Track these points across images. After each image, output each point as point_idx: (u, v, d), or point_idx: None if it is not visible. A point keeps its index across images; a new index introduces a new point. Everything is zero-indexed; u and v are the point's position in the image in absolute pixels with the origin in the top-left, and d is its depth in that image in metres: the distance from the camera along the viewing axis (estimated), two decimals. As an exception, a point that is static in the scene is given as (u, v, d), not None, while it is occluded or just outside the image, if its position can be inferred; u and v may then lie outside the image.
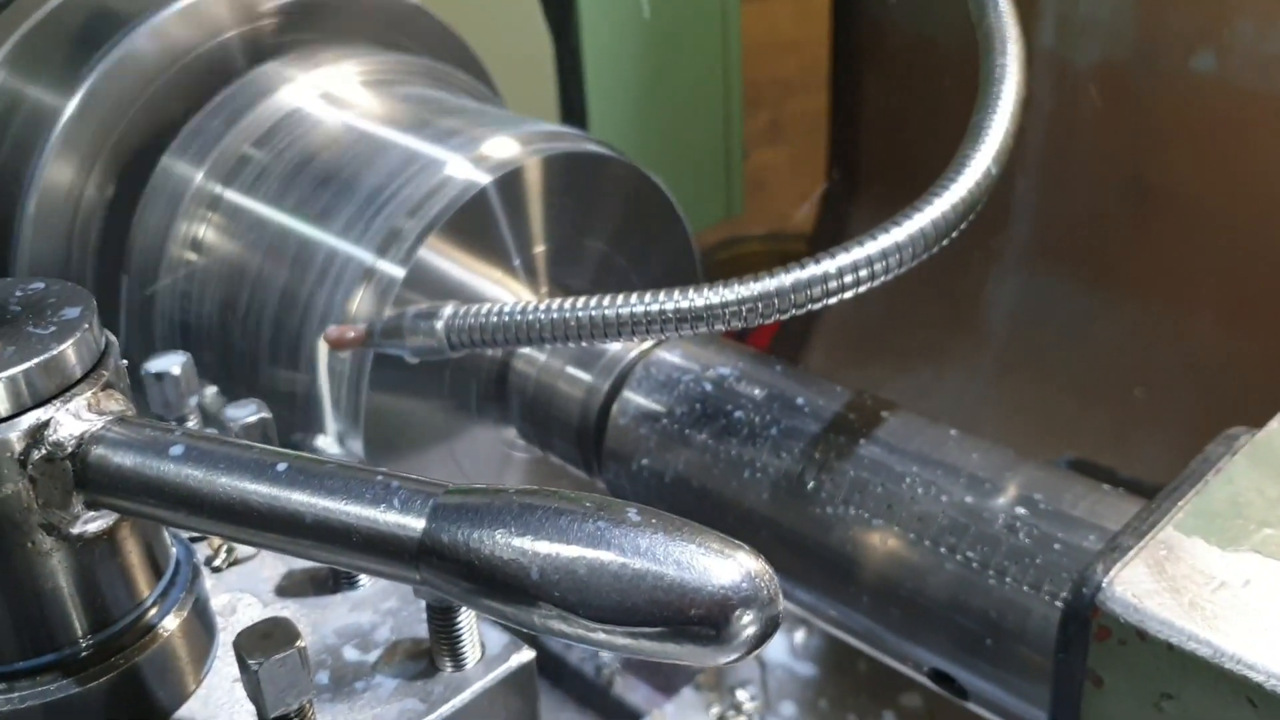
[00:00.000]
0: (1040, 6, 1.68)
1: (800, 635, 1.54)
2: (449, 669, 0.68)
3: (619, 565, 0.47)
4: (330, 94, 1.20)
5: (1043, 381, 1.81)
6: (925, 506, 0.90)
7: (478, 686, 0.68)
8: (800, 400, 1.00)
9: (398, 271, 1.02)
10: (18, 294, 0.62)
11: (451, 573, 0.50)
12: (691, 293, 0.87)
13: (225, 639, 0.70)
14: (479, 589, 0.50)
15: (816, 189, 2.07)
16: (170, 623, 0.65)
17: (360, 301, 1.04)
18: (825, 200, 2.07)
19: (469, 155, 1.08)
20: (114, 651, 0.63)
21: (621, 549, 0.48)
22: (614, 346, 1.10)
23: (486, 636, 0.70)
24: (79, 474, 0.58)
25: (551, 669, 1.51)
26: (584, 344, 1.03)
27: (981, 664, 0.88)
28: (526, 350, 1.12)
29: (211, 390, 0.96)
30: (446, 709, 0.67)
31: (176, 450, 0.56)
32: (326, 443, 1.06)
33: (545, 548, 0.48)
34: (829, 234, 2.04)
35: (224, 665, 0.69)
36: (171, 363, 0.78)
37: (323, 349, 1.04)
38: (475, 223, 1.06)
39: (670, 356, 1.08)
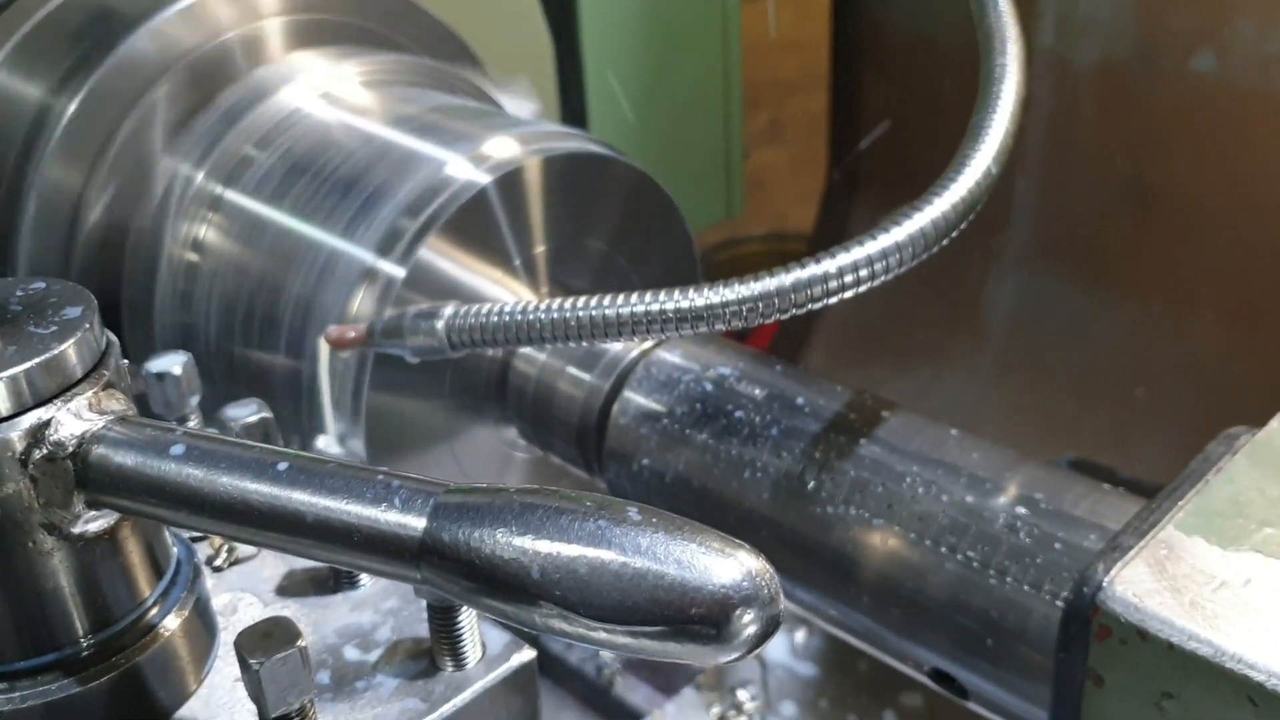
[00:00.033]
0: (1040, 6, 1.68)
1: (801, 635, 1.54)
2: (450, 669, 0.68)
3: (620, 564, 0.47)
4: (330, 94, 1.20)
5: (1043, 381, 1.81)
6: (926, 506, 0.90)
7: (479, 686, 0.68)
8: (801, 400, 1.00)
9: (398, 271, 1.02)
10: (19, 293, 0.62)
11: (452, 572, 0.50)
12: (692, 292, 0.87)
13: (226, 639, 0.70)
14: (480, 588, 0.50)
15: (817, 189, 2.08)
16: (171, 622, 0.65)
17: (361, 301, 1.04)
18: (825, 200, 2.07)
19: (469, 155, 1.08)
20: (115, 651, 0.63)
21: (622, 548, 0.48)
22: (614, 346, 1.10)
23: (487, 636, 0.70)
24: (80, 473, 0.58)
25: (552, 669, 1.51)
26: (584, 344, 1.03)
27: (982, 664, 0.88)
28: (527, 350, 1.12)
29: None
30: (447, 708, 0.67)
31: (177, 450, 0.56)
32: (327, 443, 1.06)
33: (546, 547, 0.48)
34: (829, 234, 2.04)
35: (225, 665, 0.69)
36: (172, 362, 0.78)
37: (323, 349, 1.04)
38: (476, 222, 1.06)
39: (671, 356, 1.08)
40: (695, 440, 1.02)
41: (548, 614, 0.49)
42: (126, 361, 0.64)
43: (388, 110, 1.19)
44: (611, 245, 1.18)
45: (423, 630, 0.71)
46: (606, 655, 1.49)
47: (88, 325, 0.60)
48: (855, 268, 0.85)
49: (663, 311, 0.87)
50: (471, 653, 0.68)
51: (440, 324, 0.97)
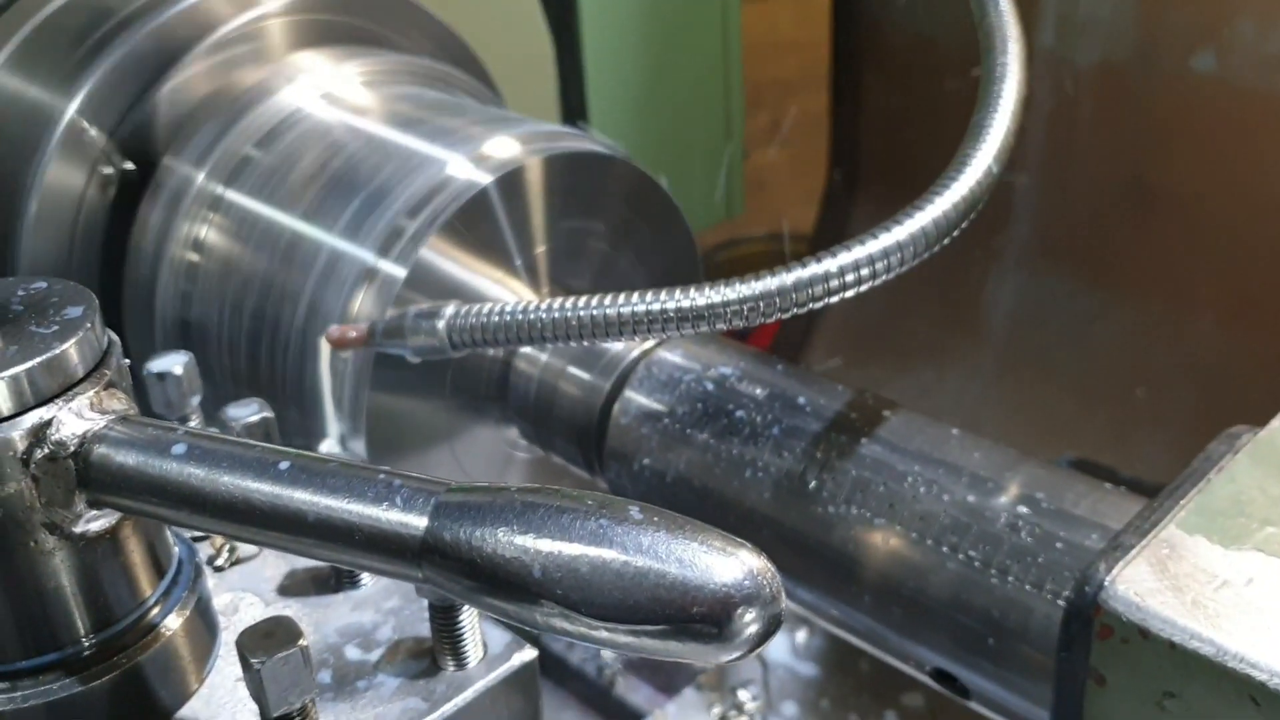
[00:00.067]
0: (1040, 6, 1.68)
1: (802, 635, 1.54)
2: (451, 668, 0.68)
3: (621, 563, 0.47)
4: (331, 94, 1.20)
5: (1043, 381, 1.81)
6: (927, 505, 0.90)
7: (480, 685, 0.68)
8: (802, 399, 1.00)
9: (399, 271, 1.02)
10: (20, 293, 0.62)
11: (454, 571, 0.50)
12: (693, 292, 0.87)
13: (227, 638, 0.70)
14: (481, 587, 0.50)
15: (817, 189, 2.08)
16: (172, 622, 0.65)
17: (362, 301, 1.04)
18: (825, 200, 2.07)
19: (470, 155, 1.08)
20: (116, 651, 0.63)
21: (624, 547, 0.48)
22: (615, 346, 1.10)
23: (489, 635, 0.70)
24: (81, 473, 0.58)
25: (554, 669, 1.51)
26: (585, 343, 1.03)
27: (984, 663, 0.88)
28: (528, 350, 1.12)
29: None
30: (449, 708, 0.67)
31: (179, 449, 0.56)
32: (328, 443, 1.06)
33: (547, 546, 0.48)
34: (829, 234, 2.04)
35: (226, 664, 0.68)
36: (173, 362, 0.78)
37: (324, 349, 1.04)
38: (476, 222, 1.06)
39: (671, 356, 1.08)
40: (696, 440, 1.02)
41: (549, 613, 0.49)
42: (128, 361, 0.64)
43: (388, 110, 1.19)
44: (612, 245, 1.18)
45: (424, 630, 0.71)
46: (607, 655, 1.49)
47: (89, 325, 0.60)
48: (856, 267, 0.85)
49: (664, 311, 0.87)
50: (473, 652, 0.68)
51: (441, 324, 0.98)
